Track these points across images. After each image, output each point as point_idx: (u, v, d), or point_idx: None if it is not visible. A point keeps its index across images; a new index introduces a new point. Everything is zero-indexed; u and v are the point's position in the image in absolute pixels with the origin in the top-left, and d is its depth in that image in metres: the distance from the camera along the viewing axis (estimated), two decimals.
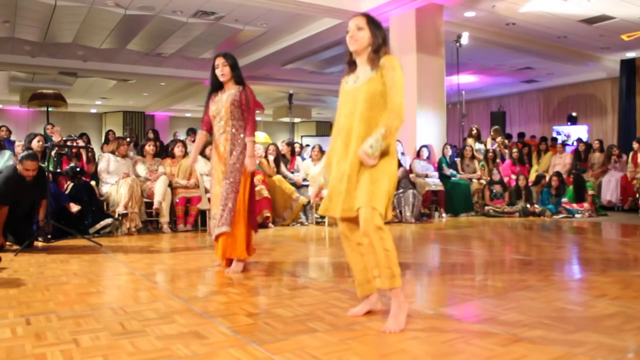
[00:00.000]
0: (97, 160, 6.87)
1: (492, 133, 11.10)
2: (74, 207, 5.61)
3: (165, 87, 16.20)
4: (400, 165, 7.36)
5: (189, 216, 6.61)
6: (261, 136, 15.19)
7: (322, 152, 7.73)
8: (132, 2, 8.51)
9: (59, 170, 6.13)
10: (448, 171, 8.60)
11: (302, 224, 7.29)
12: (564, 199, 8.28)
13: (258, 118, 20.15)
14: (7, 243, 4.94)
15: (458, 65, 9.94)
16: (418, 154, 8.47)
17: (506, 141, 10.99)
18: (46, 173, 5.07)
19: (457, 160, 9.15)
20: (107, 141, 8.74)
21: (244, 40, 10.98)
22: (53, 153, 6.06)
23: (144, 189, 6.42)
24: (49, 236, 5.35)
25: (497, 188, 8.59)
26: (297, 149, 8.57)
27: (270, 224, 6.90)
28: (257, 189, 6.16)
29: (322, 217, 7.33)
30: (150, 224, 6.56)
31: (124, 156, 6.70)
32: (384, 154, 2.30)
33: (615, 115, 13.79)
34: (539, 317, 2.39)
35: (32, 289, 3.14)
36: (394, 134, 2.33)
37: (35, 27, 9.69)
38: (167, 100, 18.10)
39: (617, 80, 13.19)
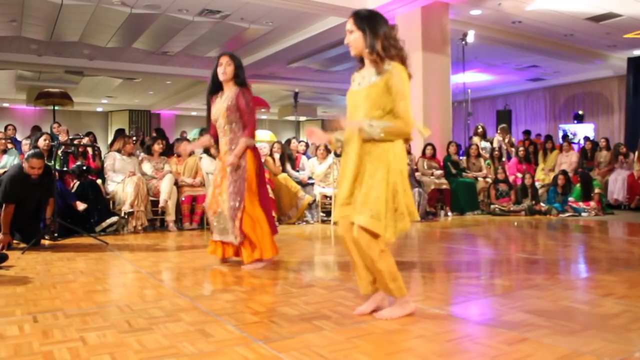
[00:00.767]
0: (103, 158, 6.89)
1: (499, 131, 11.06)
2: (80, 206, 5.62)
3: (171, 85, 16.22)
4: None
5: (195, 214, 6.62)
6: (267, 134, 15.21)
7: (327, 150, 7.72)
8: (138, 1, 8.53)
9: (65, 169, 6.16)
10: (454, 171, 8.57)
11: (307, 222, 7.29)
12: (570, 198, 8.24)
13: (263, 116, 20.19)
14: (15, 241, 4.96)
15: (464, 63, 9.93)
16: (423, 153, 8.45)
17: (513, 139, 10.96)
18: (53, 171, 5.10)
19: (463, 158, 9.12)
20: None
21: (249, 39, 10.98)
22: (60, 152, 6.09)
23: (149, 187, 6.44)
24: (56, 234, 5.35)
25: (502, 187, 8.56)
26: (303, 147, 8.57)
27: (275, 223, 6.88)
28: None
29: (328, 215, 7.34)
30: (156, 222, 6.59)
31: (130, 154, 6.72)
32: (382, 159, 2.29)
33: (622, 113, 13.71)
34: (545, 316, 2.39)
35: (39, 287, 3.15)
36: (397, 137, 2.33)
37: (41, 26, 9.73)
38: (173, 98, 18.12)
39: (624, 78, 13.11)
